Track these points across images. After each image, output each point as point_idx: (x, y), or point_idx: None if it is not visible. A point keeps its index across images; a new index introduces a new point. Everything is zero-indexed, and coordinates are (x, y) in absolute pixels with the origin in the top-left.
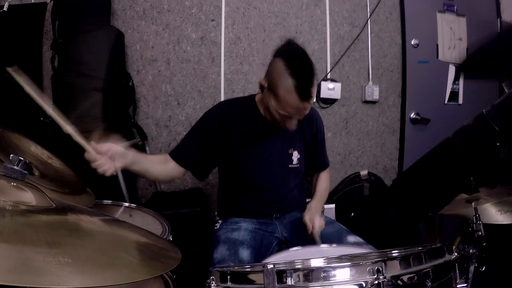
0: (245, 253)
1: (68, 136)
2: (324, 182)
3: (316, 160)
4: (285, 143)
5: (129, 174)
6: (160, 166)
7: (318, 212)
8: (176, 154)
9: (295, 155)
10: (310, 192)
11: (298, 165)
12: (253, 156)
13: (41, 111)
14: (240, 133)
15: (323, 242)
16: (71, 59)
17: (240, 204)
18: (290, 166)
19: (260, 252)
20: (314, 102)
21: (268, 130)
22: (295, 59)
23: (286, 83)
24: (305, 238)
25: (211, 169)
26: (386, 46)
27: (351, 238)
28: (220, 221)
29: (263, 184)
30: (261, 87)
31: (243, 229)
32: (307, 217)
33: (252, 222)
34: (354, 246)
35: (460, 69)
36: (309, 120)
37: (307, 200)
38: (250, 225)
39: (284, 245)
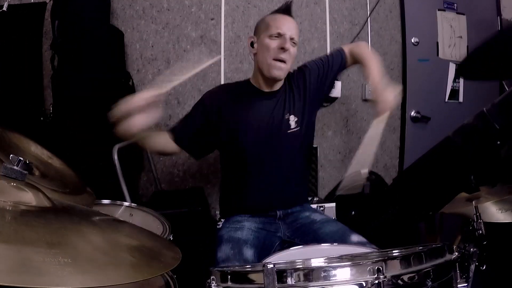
0: (249, 252)
1: (69, 136)
2: (362, 50)
3: (332, 63)
4: (280, 110)
5: (130, 174)
6: (160, 139)
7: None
8: (173, 132)
9: (292, 119)
10: (312, 192)
11: (297, 129)
12: (250, 127)
13: (41, 111)
14: (236, 109)
15: (325, 241)
16: (71, 59)
17: (241, 198)
18: (289, 131)
19: (264, 252)
20: None
21: (263, 100)
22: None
23: (268, 16)
24: (308, 238)
25: (207, 150)
26: (386, 44)
27: (355, 237)
28: (222, 220)
29: (264, 156)
30: (251, 43)
31: (246, 228)
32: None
33: (255, 221)
34: (355, 245)
35: (459, 70)
36: (296, 80)
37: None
38: (253, 224)
39: (287, 245)
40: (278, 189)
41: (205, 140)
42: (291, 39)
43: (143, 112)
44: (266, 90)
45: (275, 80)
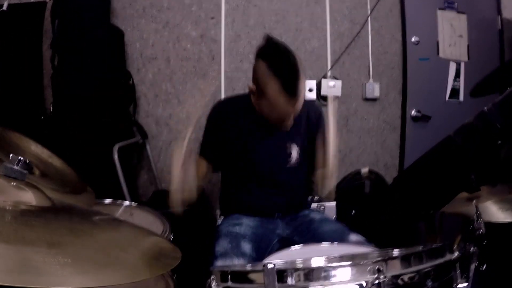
0: (246, 246)
1: (69, 136)
2: None
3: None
4: (284, 140)
5: (130, 173)
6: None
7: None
8: (206, 156)
9: (295, 152)
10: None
11: (297, 165)
12: (250, 155)
13: (41, 110)
14: (238, 131)
15: (324, 240)
16: (71, 59)
17: (242, 201)
18: (288, 165)
19: (262, 247)
20: (315, 100)
21: (265, 128)
22: (276, 58)
23: (273, 85)
24: (307, 236)
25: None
26: (386, 43)
27: (353, 237)
28: (222, 217)
29: (262, 183)
30: (251, 91)
31: (245, 225)
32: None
33: (254, 219)
34: (355, 245)
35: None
36: (308, 117)
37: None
38: (252, 222)
39: (285, 243)
40: (278, 199)
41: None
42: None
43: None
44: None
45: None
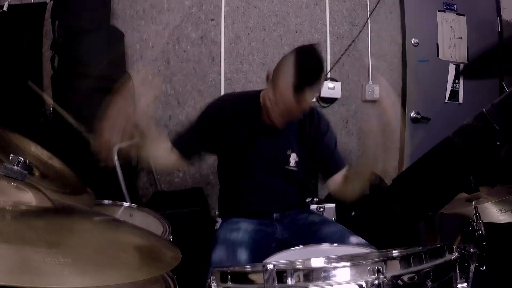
0: (243, 255)
1: (69, 136)
2: None
3: (327, 163)
4: (283, 144)
5: (130, 174)
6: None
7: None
8: (179, 147)
9: (293, 158)
10: (311, 193)
11: (295, 168)
12: (249, 155)
13: (41, 111)
14: (239, 130)
15: (325, 242)
16: (71, 59)
17: (240, 203)
18: (286, 167)
19: (259, 253)
20: (315, 102)
21: (267, 130)
22: (304, 52)
23: (287, 77)
24: (306, 239)
25: (201, 153)
26: (386, 45)
27: (353, 239)
28: (220, 220)
29: (260, 185)
30: (267, 76)
31: (243, 230)
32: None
33: (252, 222)
34: (355, 246)
35: (461, 72)
36: (310, 122)
37: (307, 200)
38: (250, 226)
39: (284, 246)
40: (276, 199)
41: (203, 146)
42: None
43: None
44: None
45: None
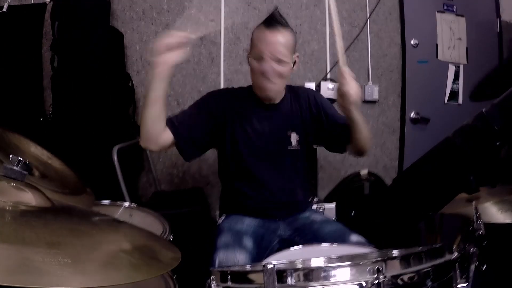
0: (248, 241)
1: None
2: None
3: (338, 133)
4: (282, 125)
5: (129, 174)
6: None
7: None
8: (173, 126)
9: (294, 137)
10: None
11: (297, 147)
12: (250, 138)
13: (40, 111)
14: (238, 116)
15: (325, 241)
16: (71, 60)
17: (242, 199)
18: (289, 147)
19: (262, 246)
20: None
21: (265, 112)
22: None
23: (256, 30)
24: (308, 238)
25: (200, 152)
26: (385, 46)
27: (354, 238)
28: (223, 215)
29: (262, 168)
30: (247, 56)
31: (246, 223)
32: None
33: (255, 220)
34: (355, 245)
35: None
36: (305, 99)
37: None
38: (253, 222)
39: (286, 244)
40: (278, 199)
41: (202, 142)
42: (277, 59)
43: (176, 50)
44: (266, 102)
45: (268, 98)
